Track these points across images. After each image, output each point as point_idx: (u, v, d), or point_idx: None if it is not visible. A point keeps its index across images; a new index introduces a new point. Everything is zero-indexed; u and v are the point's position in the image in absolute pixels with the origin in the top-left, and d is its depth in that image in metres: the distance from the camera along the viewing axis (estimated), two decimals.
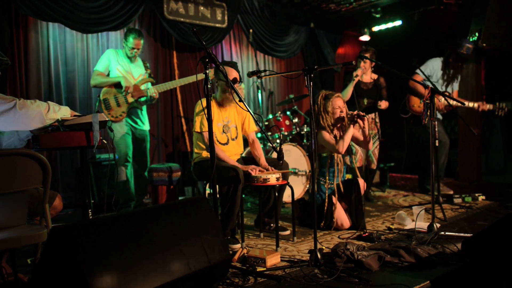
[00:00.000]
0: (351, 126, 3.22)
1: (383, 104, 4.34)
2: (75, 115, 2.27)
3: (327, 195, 3.32)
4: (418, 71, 4.36)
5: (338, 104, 3.33)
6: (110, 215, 1.92)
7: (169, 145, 5.32)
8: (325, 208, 3.28)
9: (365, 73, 4.38)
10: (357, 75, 4.20)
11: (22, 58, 4.18)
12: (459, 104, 4.01)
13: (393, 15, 6.28)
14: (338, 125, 3.40)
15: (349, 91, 4.21)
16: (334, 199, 3.29)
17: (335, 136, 3.35)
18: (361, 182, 3.36)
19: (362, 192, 3.34)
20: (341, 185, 3.37)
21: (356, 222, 3.30)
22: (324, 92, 3.41)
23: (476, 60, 5.48)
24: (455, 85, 4.66)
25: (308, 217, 3.47)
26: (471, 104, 4.34)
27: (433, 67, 4.50)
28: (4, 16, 4.02)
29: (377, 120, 4.52)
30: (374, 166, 4.49)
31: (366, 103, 4.40)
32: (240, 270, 2.39)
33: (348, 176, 5.17)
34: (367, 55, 4.24)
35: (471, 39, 4.83)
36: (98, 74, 3.88)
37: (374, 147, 4.41)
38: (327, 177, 3.36)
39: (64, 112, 2.20)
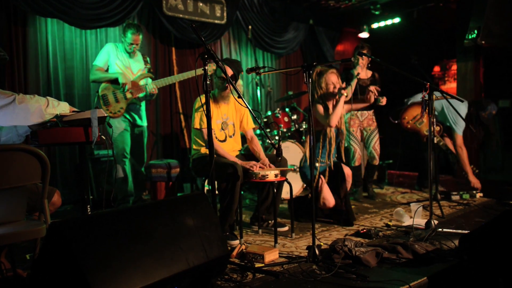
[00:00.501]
0: (341, 100, 3.31)
1: (384, 100, 4.32)
2: (73, 111, 2.27)
3: (318, 172, 3.39)
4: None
5: (332, 80, 3.42)
6: (109, 210, 1.92)
7: (168, 142, 5.32)
8: (314, 183, 3.35)
9: (362, 70, 4.35)
10: (358, 73, 4.17)
11: (21, 54, 4.16)
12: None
13: (392, 12, 6.27)
14: (333, 100, 3.45)
15: (351, 89, 4.19)
16: (322, 178, 3.37)
17: (325, 108, 3.42)
18: (347, 170, 3.48)
19: (349, 181, 3.47)
20: (332, 165, 3.44)
21: (351, 215, 3.39)
22: (320, 68, 3.49)
23: (475, 58, 5.49)
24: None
25: (300, 210, 3.47)
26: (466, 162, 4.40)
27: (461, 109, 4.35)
28: (3, 12, 4.01)
29: (374, 117, 4.46)
30: (376, 162, 4.42)
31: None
32: (239, 266, 2.40)
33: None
34: (364, 51, 4.21)
35: (470, 37, 4.83)
36: (97, 69, 3.87)
37: (374, 142, 4.38)
38: (319, 155, 3.42)
39: (63, 108, 2.20)
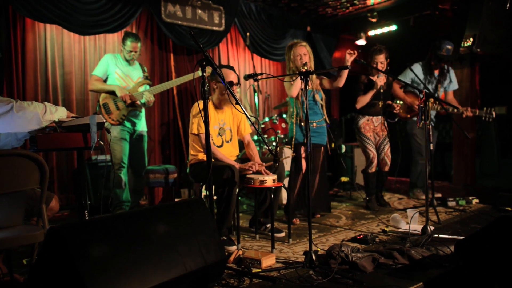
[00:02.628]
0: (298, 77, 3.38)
1: (398, 107, 4.25)
2: (72, 117, 2.29)
3: (294, 142, 3.72)
4: (396, 81, 4.40)
5: (299, 52, 3.58)
6: (106, 215, 1.93)
7: (165, 147, 5.33)
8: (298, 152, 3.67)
9: (380, 75, 4.22)
10: (381, 86, 4.13)
11: (20, 59, 4.18)
12: (443, 109, 4.19)
13: (389, 20, 6.33)
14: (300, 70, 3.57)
15: (368, 97, 4.14)
16: (303, 149, 3.66)
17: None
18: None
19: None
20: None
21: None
22: (291, 42, 3.70)
23: (470, 65, 5.54)
24: (448, 87, 4.66)
25: (290, 203, 3.46)
26: (455, 110, 4.30)
27: (412, 74, 4.42)
28: (2, 17, 4.03)
29: (385, 123, 4.36)
30: (387, 168, 4.34)
31: (381, 105, 4.26)
32: (236, 271, 2.41)
33: (344, 179, 5.18)
34: (382, 55, 4.09)
35: (465, 44, 4.87)
36: (96, 80, 3.91)
37: (386, 149, 4.28)
38: (300, 114, 3.66)
39: (60, 113, 2.22)
